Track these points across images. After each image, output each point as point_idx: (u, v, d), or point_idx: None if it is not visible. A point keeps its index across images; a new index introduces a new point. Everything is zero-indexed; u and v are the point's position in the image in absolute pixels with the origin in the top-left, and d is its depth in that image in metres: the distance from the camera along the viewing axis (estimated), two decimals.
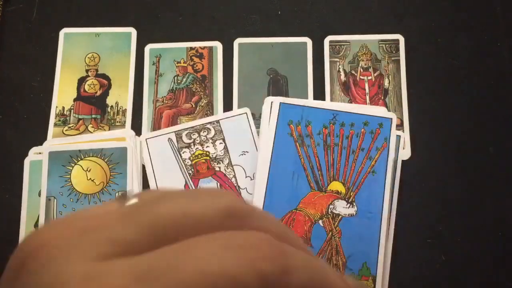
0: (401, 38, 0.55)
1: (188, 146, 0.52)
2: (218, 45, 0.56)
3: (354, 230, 0.48)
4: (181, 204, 0.17)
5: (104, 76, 0.55)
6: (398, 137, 0.51)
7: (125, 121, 0.53)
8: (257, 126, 0.52)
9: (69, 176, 0.50)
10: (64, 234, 0.16)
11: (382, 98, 0.54)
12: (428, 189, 0.51)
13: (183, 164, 0.51)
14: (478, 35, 0.56)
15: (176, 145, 0.52)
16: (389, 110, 0.53)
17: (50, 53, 0.56)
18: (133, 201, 0.18)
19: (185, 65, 0.55)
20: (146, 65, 0.55)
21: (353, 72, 0.55)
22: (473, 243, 0.49)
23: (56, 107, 0.54)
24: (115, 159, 0.51)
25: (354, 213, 0.49)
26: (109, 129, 0.53)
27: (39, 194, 0.50)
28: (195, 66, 0.55)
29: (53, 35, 0.56)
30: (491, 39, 0.55)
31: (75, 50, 0.56)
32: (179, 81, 0.55)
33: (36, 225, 0.49)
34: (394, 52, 0.55)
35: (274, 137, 0.50)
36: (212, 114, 0.53)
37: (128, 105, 0.54)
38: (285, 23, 0.57)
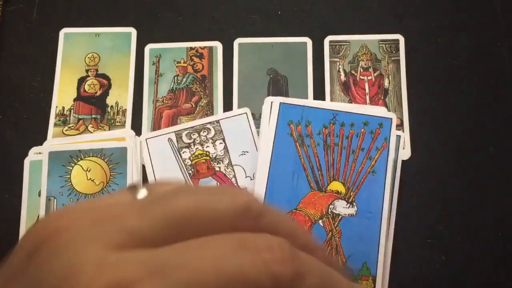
0: (401, 38, 0.55)
1: (188, 146, 0.52)
2: (218, 45, 0.56)
3: (354, 230, 0.48)
4: (197, 200, 0.17)
5: (104, 76, 0.55)
6: (398, 137, 0.51)
7: (125, 121, 0.53)
8: (257, 126, 0.52)
9: (69, 176, 0.50)
10: (82, 221, 0.17)
11: (382, 98, 0.54)
12: (428, 189, 0.51)
13: (183, 164, 0.51)
14: (478, 35, 0.56)
15: (176, 145, 0.52)
16: (389, 110, 0.53)
17: (50, 53, 0.56)
18: (144, 192, 0.19)
19: (185, 65, 0.55)
20: (146, 65, 0.55)
21: (353, 72, 0.55)
22: (473, 243, 0.49)
23: (56, 107, 0.54)
24: (115, 159, 0.51)
25: (354, 213, 0.49)
26: (109, 129, 0.53)
27: (39, 194, 0.50)
28: (195, 66, 0.55)
29: (53, 35, 0.56)
30: (491, 39, 0.55)
31: (75, 50, 0.56)
32: (179, 81, 0.55)
33: None
34: (394, 52, 0.55)
35: (274, 137, 0.50)
36: (212, 114, 0.53)
37: (128, 105, 0.54)
38: (285, 23, 0.57)
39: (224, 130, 0.52)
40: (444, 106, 0.53)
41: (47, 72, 0.55)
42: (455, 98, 0.54)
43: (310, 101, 0.53)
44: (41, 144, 0.52)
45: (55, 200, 0.50)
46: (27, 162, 0.51)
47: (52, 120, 0.53)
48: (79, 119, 0.54)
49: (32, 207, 0.50)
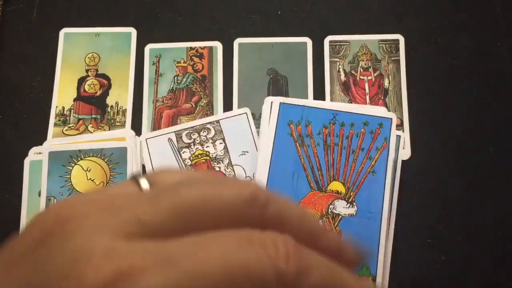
0: (401, 38, 0.55)
1: (188, 146, 0.52)
2: (218, 45, 0.56)
3: (354, 230, 0.48)
4: (206, 190, 0.18)
5: (104, 76, 0.55)
6: (398, 137, 0.51)
7: (125, 121, 0.53)
8: (257, 126, 0.52)
9: (69, 176, 0.50)
10: (92, 209, 0.17)
11: (382, 98, 0.54)
12: (428, 189, 0.51)
13: (183, 164, 0.51)
14: (478, 35, 0.56)
15: (176, 145, 0.52)
16: (389, 110, 0.53)
17: (50, 53, 0.56)
18: (146, 182, 0.19)
19: (185, 65, 0.55)
20: (146, 65, 0.55)
21: (353, 72, 0.55)
22: (473, 243, 0.49)
23: (56, 107, 0.54)
24: (115, 159, 0.51)
25: (354, 213, 0.49)
26: (109, 129, 0.53)
27: (39, 194, 0.50)
28: (195, 66, 0.55)
29: (53, 35, 0.56)
30: (491, 39, 0.55)
31: (75, 50, 0.56)
32: (179, 81, 0.55)
33: None
34: (394, 52, 0.55)
35: (274, 137, 0.50)
36: (212, 114, 0.53)
37: (128, 105, 0.54)
38: (285, 23, 0.57)
39: (224, 130, 0.52)
40: (444, 106, 0.53)
41: (47, 72, 0.55)
42: (455, 98, 0.54)
43: (310, 101, 0.53)
44: (41, 144, 0.52)
45: (55, 200, 0.50)
46: (27, 162, 0.51)
47: (52, 120, 0.53)
48: (79, 119, 0.54)
49: (32, 207, 0.50)
